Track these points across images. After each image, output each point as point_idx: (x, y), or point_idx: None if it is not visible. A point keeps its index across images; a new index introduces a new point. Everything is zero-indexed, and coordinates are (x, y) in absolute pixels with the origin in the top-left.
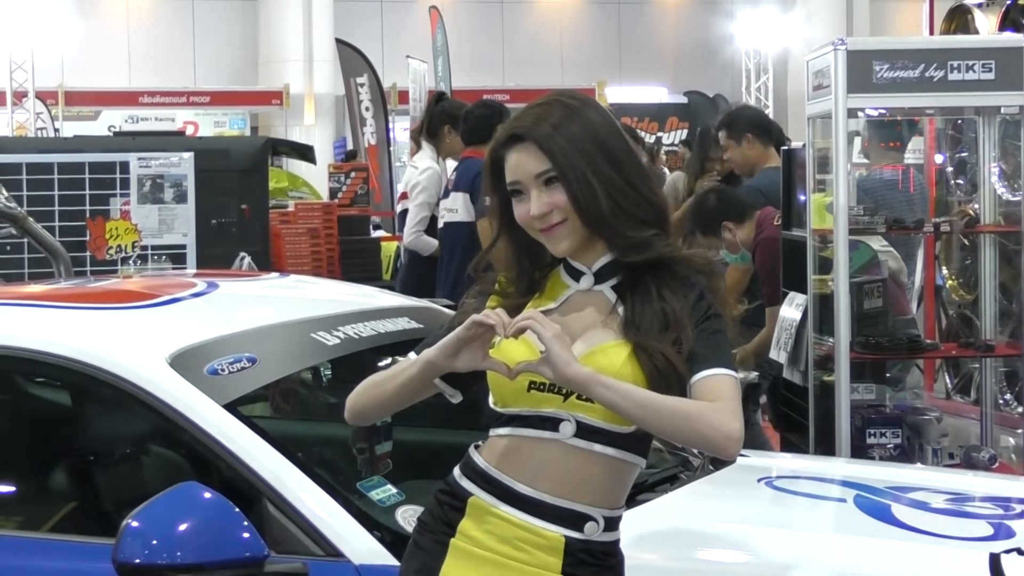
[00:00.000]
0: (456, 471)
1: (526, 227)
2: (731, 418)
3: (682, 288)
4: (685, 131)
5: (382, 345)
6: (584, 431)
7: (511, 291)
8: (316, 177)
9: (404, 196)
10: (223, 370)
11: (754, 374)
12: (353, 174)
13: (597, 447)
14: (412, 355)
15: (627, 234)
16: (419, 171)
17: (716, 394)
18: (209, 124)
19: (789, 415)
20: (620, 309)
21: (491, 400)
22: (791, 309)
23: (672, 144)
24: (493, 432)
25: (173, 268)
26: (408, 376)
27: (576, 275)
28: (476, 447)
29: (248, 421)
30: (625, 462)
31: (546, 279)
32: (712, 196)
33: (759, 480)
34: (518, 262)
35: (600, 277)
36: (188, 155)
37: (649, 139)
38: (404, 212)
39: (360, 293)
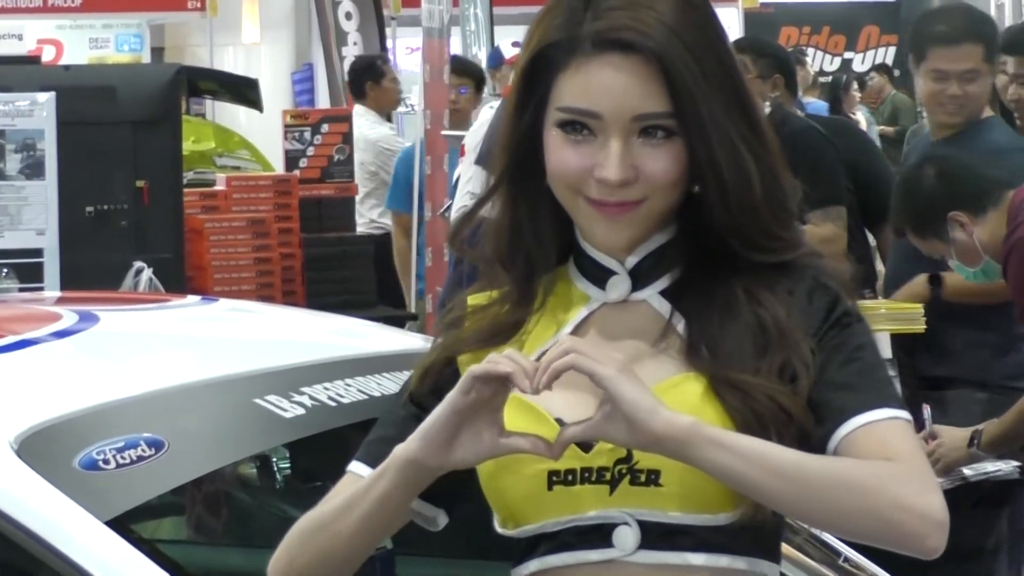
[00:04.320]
0: None
1: (561, 184)
2: (923, 487)
3: (787, 282)
4: (891, 49)
5: (376, 418)
6: (654, 536)
7: (495, 305)
8: (264, 133)
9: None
10: (108, 462)
11: (1013, 464)
12: (325, 127)
13: (677, 557)
14: (358, 467)
15: (780, 234)
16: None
17: (889, 450)
18: (81, 44)
19: None
20: (679, 326)
21: (496, 522)
22: None
23: (868, 72)
24: (516, 573)
25: (21, 288)
26: (378, 496)
27: (598, 277)
28: None
29: (150, 549)
30: (737, 572)
31: (546, 288)
32: (931, 170)
33: None
34: (516, 240)
35: (639, 277)
36: (47, 97)
37: (829, 63)
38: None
39: (339, 330)
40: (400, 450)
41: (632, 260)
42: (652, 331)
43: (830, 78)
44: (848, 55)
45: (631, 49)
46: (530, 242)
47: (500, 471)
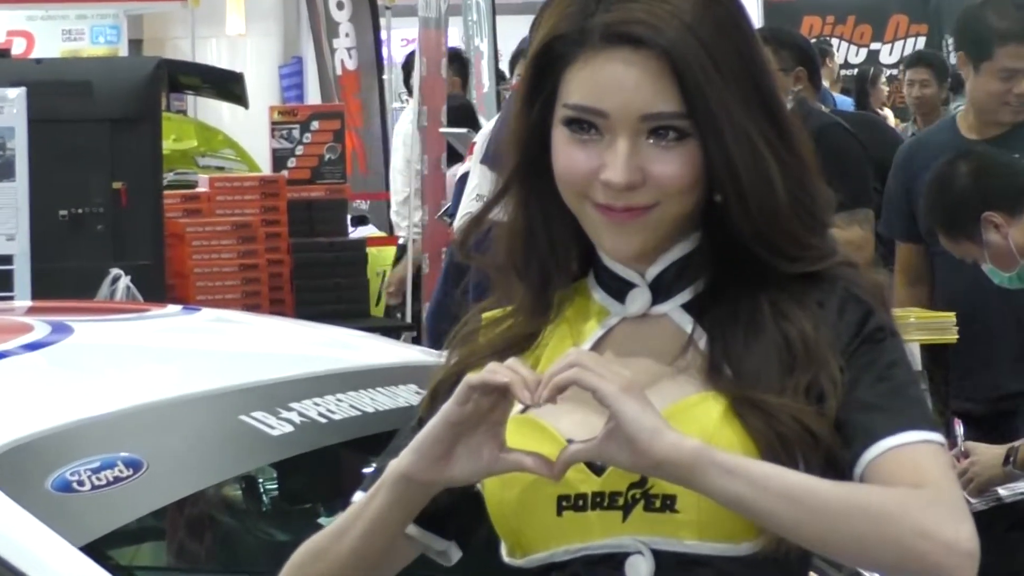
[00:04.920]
0: None
1: (568, 188)
2: (951, 514)
3: (817, 293)
4: (921, 40)
5: (369, 436)
6: (670, 567)
7: (510, 318)
8: (249, 131)
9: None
10: (83, 483)
11: None
12: (315, 125)
13: None
14: (359, 495)
15: (809, 241)
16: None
17: (918, 475)
18: (53, 36)
19: None
20: (702, 342)
21: (504, 551)
22: None
23: (895, 65)
24: None
25: None
26: (372, 517)
27: (618, 289)
28: None
29: None
30: None
31: (564, 300)
32: (963, 167)
33: None
34: (530, 245)
35: (660, 290)
36: (17, 92)
37: (855, 55)
38: (464, 179)
39: (330, 341)
40: (393, 465)
41: (653, 271)
42: (673, 347)
43: (855, 71)
44: (875, 46)
45: (641, 44)
46: (544, 247)
47: (507, 495)
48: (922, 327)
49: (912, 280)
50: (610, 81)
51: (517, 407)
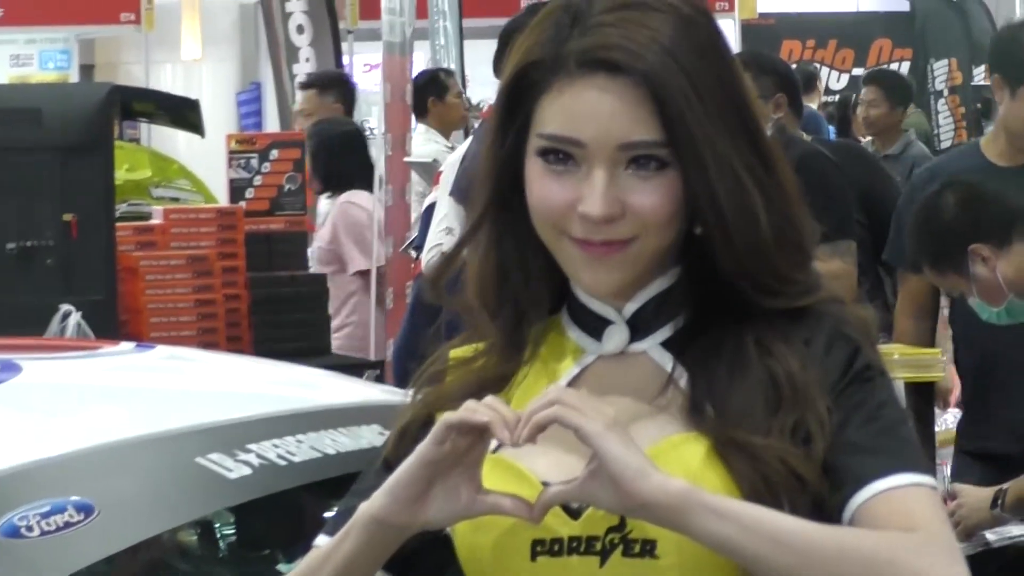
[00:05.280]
0: None
1: (543, 222)
2: (944, 558)
3: (803, 331)
4: (905, 64)
5: (331, 479)
6: None
7: (481, 357)
8: (206, 160)
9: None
10: (32, 528)
11: None
12: (274, 153)
13: None
14: (321, 538)
15: (794, 276)
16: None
17: (910, 519)
18: (1, 61)
19: None
20: (682, 381)
21: None
22: None
23: None
24: None
25: None
26: (341, 561)
27: (593, 326)
28: None
29: None
30: None
31: (538, 338)
32: (950, 197)
33: None
34: (503, 283)
35: (639, 327)
36: None
37: (836, 80)
38: (431, 209)
39: (290, 380)
40: (365, 507)
41: (631, 307)
42: (652, 386)
43: (836, 97)
44: (857, 71)
45: (619, 70)
46: (518, 285)
47: (480, 539)
48: (906, 364)
49: (917, 313)
50: (586, 109)
51: (491, 446)
